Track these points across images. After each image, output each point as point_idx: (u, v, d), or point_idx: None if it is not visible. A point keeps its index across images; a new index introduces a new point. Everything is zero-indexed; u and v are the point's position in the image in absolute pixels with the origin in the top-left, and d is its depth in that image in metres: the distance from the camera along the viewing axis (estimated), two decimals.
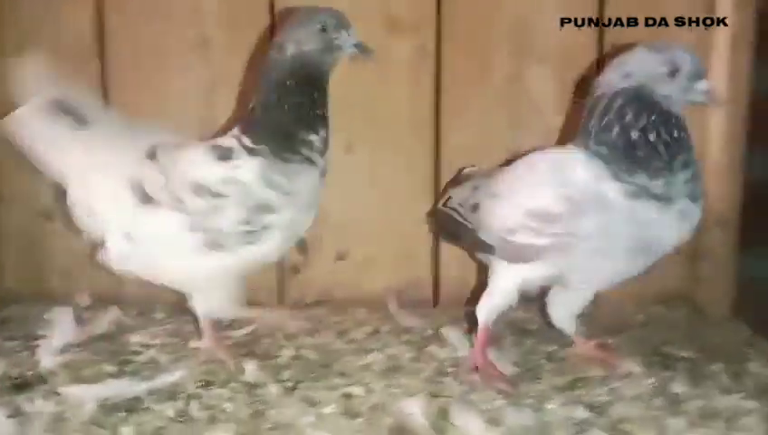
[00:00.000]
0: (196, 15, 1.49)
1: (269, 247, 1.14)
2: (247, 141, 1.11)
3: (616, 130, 1.05)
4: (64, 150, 1.19)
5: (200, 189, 1.09)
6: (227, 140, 1.13)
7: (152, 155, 1.15)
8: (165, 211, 1.12)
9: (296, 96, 1.10)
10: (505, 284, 1.17)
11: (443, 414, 1.01)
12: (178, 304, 1.43)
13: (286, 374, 1.18)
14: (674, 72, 1.04)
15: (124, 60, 1.50)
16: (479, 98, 1.53)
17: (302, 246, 1.56)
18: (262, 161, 1.09)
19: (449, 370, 1.21)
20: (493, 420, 1.01)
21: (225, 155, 1.10)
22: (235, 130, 1.15)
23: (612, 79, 1.08)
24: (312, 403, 1.07)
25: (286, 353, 1.27)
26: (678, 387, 1.13)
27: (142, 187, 1.13)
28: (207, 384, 1.14)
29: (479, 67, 1.53)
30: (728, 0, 1.46)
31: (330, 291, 1.58)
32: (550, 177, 1.08)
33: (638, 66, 1.05)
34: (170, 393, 1.10)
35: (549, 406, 1.07)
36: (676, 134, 1.04)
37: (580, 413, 1.04)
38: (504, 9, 1.52)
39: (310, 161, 1.12)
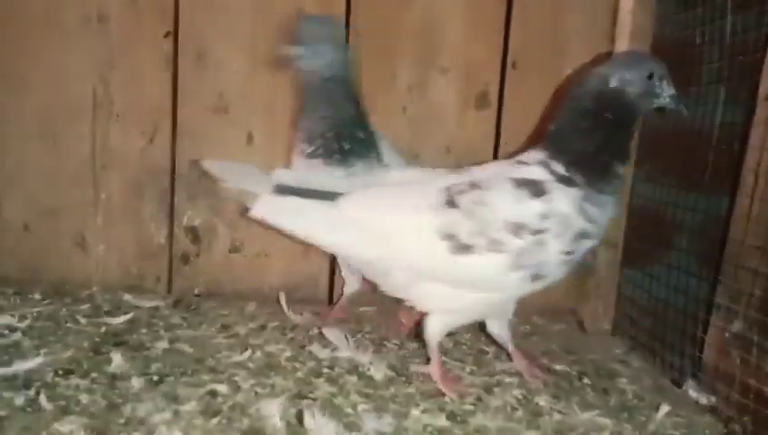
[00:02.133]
0: None
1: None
2: (560, 169, 1.09)
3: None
4: (326, 224, 1.12)
5: (520, 229, 1.05)
6: (534, 171, 1.09)
7: (451, 202, 1.08)
8: (483, 255, 1.06)
9: (614, 129, 1.10)
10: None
11: (300, 418, 1.01)
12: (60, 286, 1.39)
13: (154, 367, 1.15)
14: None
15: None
16: (383, 102, 1.54)
17: (194, 233, 1.53)
18: (578, 191, 1.07)
19: (324, 371, 1.20)
20: (351, 426, 1.01)
21: (538, 191, 1.07)
22: (539, 155, 1.11)
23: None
24: (174, 399, 1.04)
25: (159, 345, 1.24)
26: (543, 400, 1.16)
27: (454, 236, 1.07)
28: (67, 373, 1.09)
29: (385, 72, 1.54)
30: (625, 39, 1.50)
31: (221, 283, 1.56)
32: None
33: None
34: (25, 381, 1.05)
35: (413, 412, 1.07)
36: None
37: (441, 422, 1.05)
38: (413, 16, 1.53)
39: (615, 194, 1.12)
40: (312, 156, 1.28)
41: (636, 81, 1.10)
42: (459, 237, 1.06)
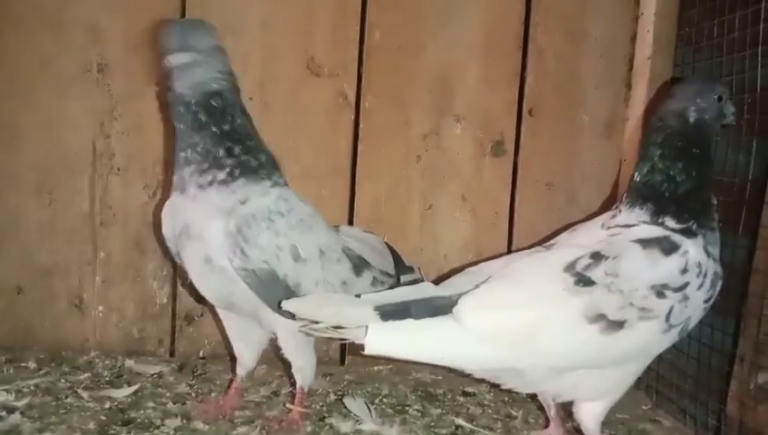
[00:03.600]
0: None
1: None
2: (672, 223, 1.06)
3: None
4: (454, 342, 1.00)
5: (665, 289, 1.00)
6: (650, 230, 1.05)
7: (584, 280, 1.00)
8: (636, 326, 1.00)
9: (701, 162, 1.09)
10: None
11: None
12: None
13: None
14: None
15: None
16: (396, 150, 1.49)
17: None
18: (699, 238, 1.05)
19: None
20: None
21: (669, 247, 1.03)
22: (642, 213, 1.08)
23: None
24: None
25: (171, 424, 1.15)
26: None
27: (603, 315, 0.99)
28: None
29: (398, 119, 1.49)
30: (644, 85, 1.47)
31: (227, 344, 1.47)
32: None
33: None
34: None
35: None
36: None
37: None
38: (427, 64, 1.48)
39: (717, 225, 1.09)
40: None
41: (710, 107, 1.09)
42: (608, 316, 0.98)
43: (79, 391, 1.24)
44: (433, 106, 1.50)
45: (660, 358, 1.41)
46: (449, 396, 1.38)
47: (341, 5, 1.45)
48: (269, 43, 1.44)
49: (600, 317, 0.98)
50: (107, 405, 1.20)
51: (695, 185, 1.07)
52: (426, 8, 1.48)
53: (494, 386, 1.32)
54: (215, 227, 1.06)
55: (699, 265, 1.02)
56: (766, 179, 1.16)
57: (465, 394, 1.39)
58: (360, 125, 1.48)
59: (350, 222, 1.49)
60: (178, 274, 1.44)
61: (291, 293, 1.08)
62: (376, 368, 1.48)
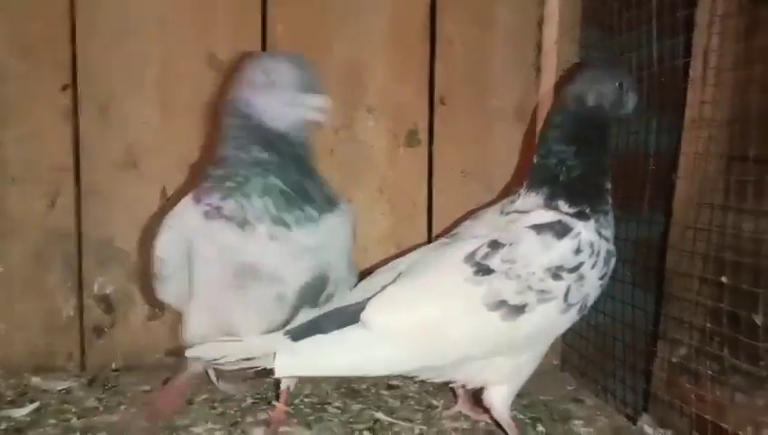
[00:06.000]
0: None
1: None
2: (565, 207, 1.07)
3: None
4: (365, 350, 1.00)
5: (559, 271, 1.02)
6: (546, 215, 1.06)
7: (483, 269, 1.01)
8: (535, 311, 1.01)
9: (596, 147, 1.10)
10: None
11: None
12: None
13: None
14: None
15: None
16: None
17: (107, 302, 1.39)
18: (591, 221, 1.06)
19: None
20: None
21: (562, 230, 1.04)
22: (536, 198, 1.09)
23: None
24: None
25: None
26: None
27: (503, 302, 1.00)
28: None
29: None
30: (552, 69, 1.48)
31: (141, 355, 1.42)
32: None
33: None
34: None
35: None
36: None
37: None
38: (335, 56, 1.46)
39: (610, 208, 1.10)
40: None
41: (609, 93, 1.10)
42: (508, 301, 1.00)
43: None
44: (344, 99, 1.47)
45: (583, 338, 1.44)
46: (373, 391, 1.36)
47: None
48: (168, 41, 1.40)
49: (501, 304, 1.00)
50: (2, 426, 1.13)
51: (588, 170, 1.09)
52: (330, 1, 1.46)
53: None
54: None
55: (592, 244, 1.04)
56: (676, 153, 1.16)
57: (390, 387, 1.38)
58: None
59: None
60: None
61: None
62: None
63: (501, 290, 1.00)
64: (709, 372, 1.06)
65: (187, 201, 1.04)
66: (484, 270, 1.01)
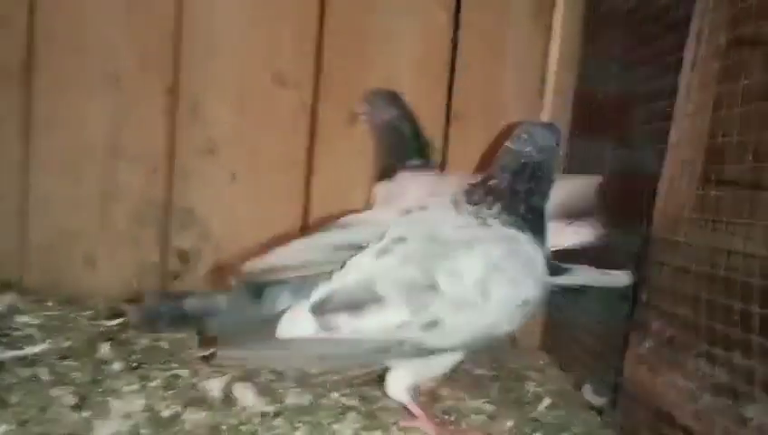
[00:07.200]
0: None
1: None
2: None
3: None
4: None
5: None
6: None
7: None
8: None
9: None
10: None
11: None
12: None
13: (134, 357, 1.44)
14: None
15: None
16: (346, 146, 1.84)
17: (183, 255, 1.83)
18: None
19: None
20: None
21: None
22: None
23: None
24: (144, 378, 1.33)
25: (143, 342, 1.52)
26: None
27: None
28: (63, 357, 1.38)
29: (348, 121, 1.83)
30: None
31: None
32: None
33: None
34: (31, 361, 1.34)
35: None
36: None
37: None
38: (376, 73, 1.83)
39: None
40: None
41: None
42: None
43: (80, 319, 1.62)
44: None
45: (562, 321, 1.68)
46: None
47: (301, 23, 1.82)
48: (244, 60, 1.82)
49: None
50: (99, 329, 1.57)
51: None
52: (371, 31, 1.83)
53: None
54: None
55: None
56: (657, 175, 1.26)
57: None
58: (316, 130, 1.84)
59: (307, 201, 1.84)
60: None
61: None
62: None
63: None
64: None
65: None
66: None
